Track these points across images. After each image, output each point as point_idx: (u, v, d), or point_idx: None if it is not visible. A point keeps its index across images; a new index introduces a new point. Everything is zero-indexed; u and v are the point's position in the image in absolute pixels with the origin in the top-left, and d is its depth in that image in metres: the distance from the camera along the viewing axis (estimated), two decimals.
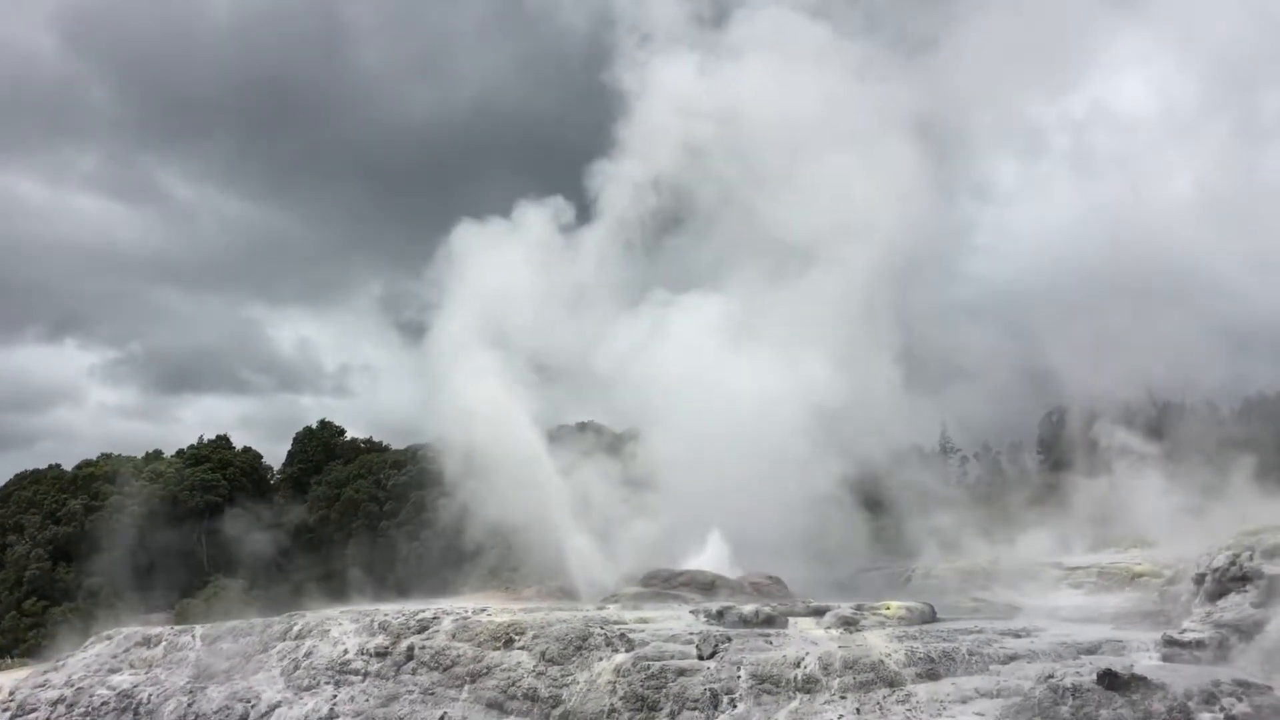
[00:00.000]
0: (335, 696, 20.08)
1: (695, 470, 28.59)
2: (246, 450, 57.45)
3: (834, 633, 18.25)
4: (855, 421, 30.53)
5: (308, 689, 20.69)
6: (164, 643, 24.55)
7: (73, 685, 23.79)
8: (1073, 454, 36.69)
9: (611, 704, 16.85)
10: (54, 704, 23.43)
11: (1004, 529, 31.45)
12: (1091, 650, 16.78)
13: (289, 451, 58.69)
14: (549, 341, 31.65)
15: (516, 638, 19.25)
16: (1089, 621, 19.80)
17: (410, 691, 19.40)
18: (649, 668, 17.11)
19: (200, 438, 58.20)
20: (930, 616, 19.88)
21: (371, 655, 20.71)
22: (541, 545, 28.64)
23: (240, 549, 45.67)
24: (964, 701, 15.14)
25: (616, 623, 19.40)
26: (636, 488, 29.54)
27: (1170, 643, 15.83)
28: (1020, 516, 32.04)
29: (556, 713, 17.37)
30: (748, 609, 19.59)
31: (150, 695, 22.59)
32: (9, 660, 36.22)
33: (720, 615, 19.52)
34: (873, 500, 35.71)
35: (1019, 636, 17.87)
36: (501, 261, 32.10)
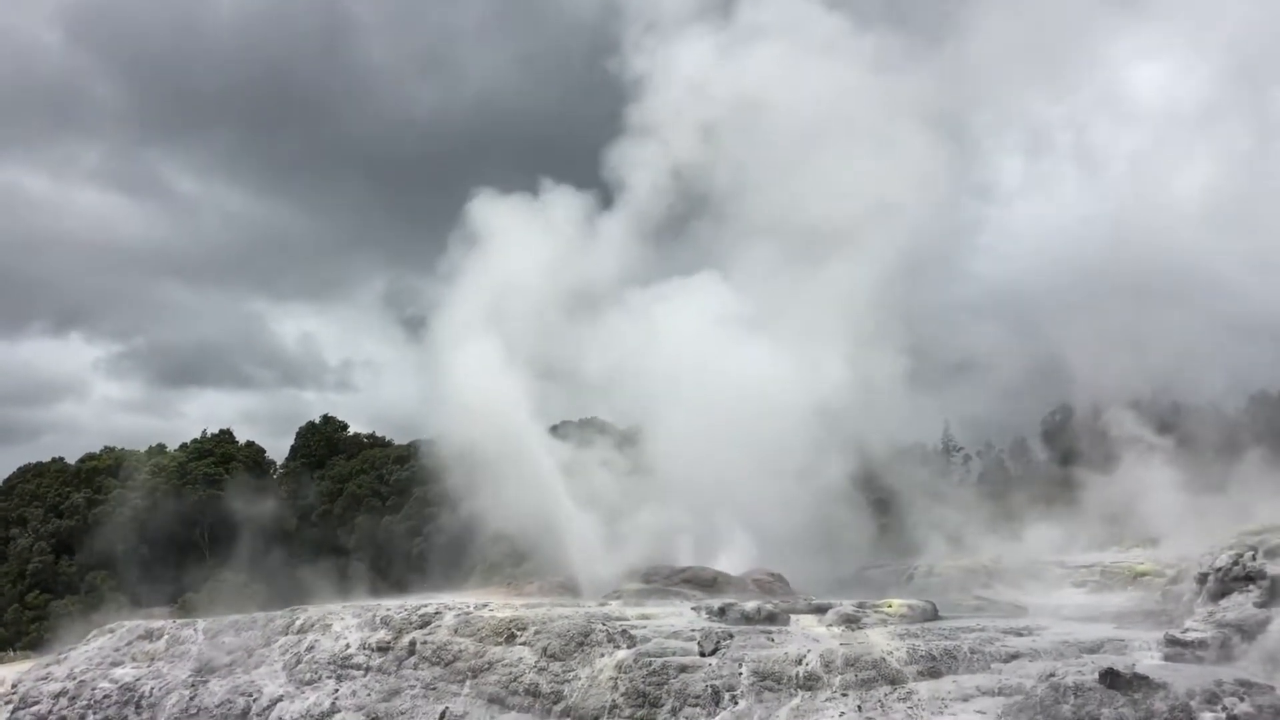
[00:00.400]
0: (337, 691, 20.12)
1: (698, 467, 28.54)
2: (249, 444, 57.52)
3: (836, 630, 18.24)
4: (859, 419, 30.48)
5: (310, 683, 20.73)
6: (166, 636, 24.59)
7: (75, 678, 23.85)
8: (1077, 451, 36.63)
9: (613, 700, 16.86)
10: (56, 697, 23.49)
11: (1006, 527, 31.41)
12: (1094, 649, 16.77)
13: (292, 446, 58.79)
14: (554, 334, 31.54)
15: (518, 633, 19.28)
16: (1091, 620, 19.76)
17: (412, 686, 19.44)
18: (651, 664, 17.12)
19: (203, 432, 58.36)
20: (932, 614, 19.86)
21: (373, 650, 20.74)
22: (543, 541, 28.63)
23: (242, 543, 45.70)
24: (965, 699, 15.14)
25: (618, 619, 19.41)
26: (639, 484, 29.49)
27: (1172, 642, 15.80)
28: (1023, 515, 31.99)
29: (558, 708, 17.39)
30: (750, 606, 19.58)
31: (152, 688, 22.65)
32: (11, 653, 36.32)
33: (722, 612, 19.51)
34: (875, 498, 35.68)
35: (1021, 635, 17.86)
36: (518, 236, 31.93)
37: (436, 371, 31.54)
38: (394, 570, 42.62)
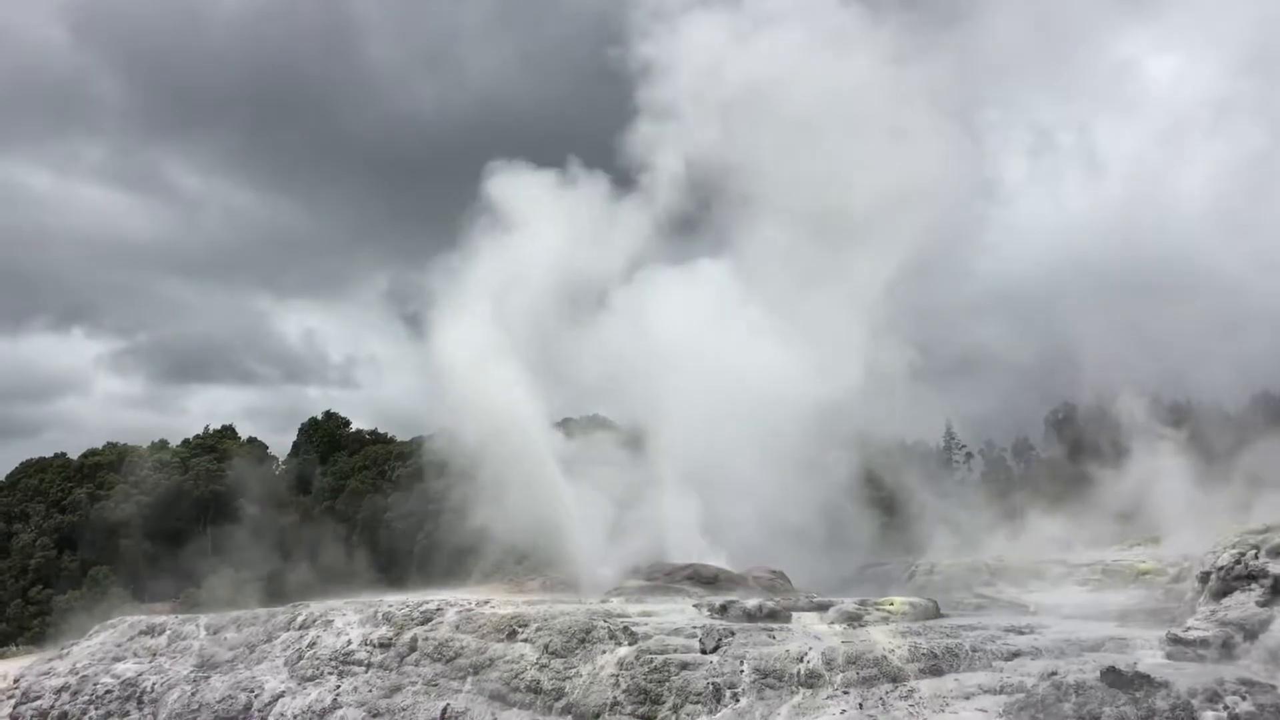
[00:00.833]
0: (339, 687, 20.12)
1: (701, 463, 28.51)
2: (252, 441, 57.57)
3: (837, 628, 18.22)
4: (863, 415, 30.43)
5: (311, 679, 20.74)
6: (168, 632, 24.64)
7: (77, 673, 23.89)
8: (1079, 449, 36.60)
9: (614, 697, 16.86)
10: (58, 691, 23.54)
11: (1008, 525, 31.41)
12: (1095, 647, 16.74)
13: (294, 442, 58.89)
14: (558, 326, 31.42)
15: (520, 630, 19.27)
16: (1093, 618, 19.74)
17: (413, 682, 19.43)
18: (652, 661, 17.12)
19: (206, 428, 58.56)
20: (934, 612, 19.84)
21: (375, 646, 20.74)
22: (545, 538, 28.61)
23: (245, 539, 45.74)
24: (967, 698, 15.12)
25: (620, 616, 19.39)
26: (641, 481, 29.46)
27: (1174, 641, 15.78)
28: (1025, 513, 31.99)
29: (559, 705, 17.38)
30: (751, 603, 19.56)
31: (154, 684, 22.68)
32: (14, 647, 36.39)
33: (724, 609, 19.49)
34: (878, 496, 35.68)
35: (1023, 633, 17.83)
36: (541, 211, 31.78)
37: (438, 366, 31.46)
38: (396, 566, 42.67)
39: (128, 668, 23.65)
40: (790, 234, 32.11)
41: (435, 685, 19.11)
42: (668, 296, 31.56)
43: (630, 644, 17.89)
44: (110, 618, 27.05)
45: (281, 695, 20.62)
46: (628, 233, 32.33)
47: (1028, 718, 13.84)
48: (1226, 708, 13.21)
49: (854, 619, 18.58)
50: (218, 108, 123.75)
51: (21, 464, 55.89)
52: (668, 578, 24.18)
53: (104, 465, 53.85)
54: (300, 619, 22.90)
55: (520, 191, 32.21)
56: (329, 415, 59.66)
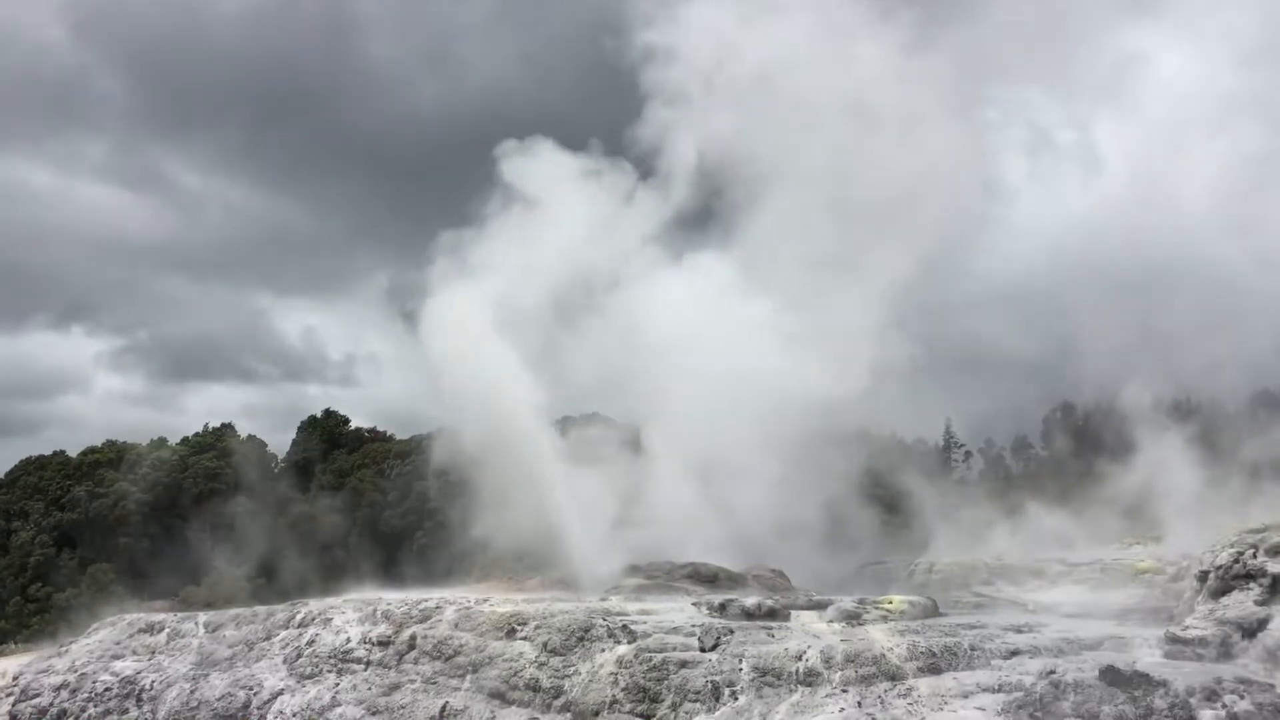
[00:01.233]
0: (338, 685, 20.13)
1: (701, 461, 28.51)
2: (251, 439, 57.55)
3: (836, 626, 18.22)
4: (864, 415, 30.39)
5: (310, 677, 20.75)
6: (167, 629, 24.64)
7: (76, 671, 23.88)
8: (1078, 448, 36.62)
9: (613, 695, 16.85)
10: (57, 689, 23.54)
11: (1007, 524, 31.41)
12: (1094, 646, 16.75)
13: (293, 440, 58.83)
14: (558, 322, 31.38)
15: (519, 628, 19.26)
16: (1092, 617, 19.76)
17: (412, 681, 19.43)
18: (651, 659, 17.11)
19: (205, 426, 58.40)
20: (933, 611, 19.84)
21: (374, 644, 20.75)
22: (544, 536, 28.56)
23: (244, 537, 45.77)
24: (965, 696, 15.11)
25: (619, 614, 19.38)
26: (641, 478, 29.45)
27: (1173, 639, 15.79)
28: (1024, 511, 31.99)
29: (558, 703, 17.37)
30: (750, 602, 19.56)
31: (153, 682, 22.67)
32: (13, 645, 36.36)
33: (723, 608, 19.49)
34: (879, 494, 35.67)
35: (1021, 632, 17.84)
36: (561, 189, 31.78)
37: (437, 364, 31.39)
38: (395, 564, 42.65)
39: (127, 665, 23.65)
40: (796, 228, 31.95)
41: (434, 683, 19.11)
42: (669, 290, 31.48)
43: (629, 642, 17.88)
44: (109, 615, 27.03)
45: (280, 693, 20.63)
46: (636, 225, 32.29)
47: (1026, 716, 13.84)
48: (1225, 706, 13.22)
49: (853, 617, 18.58)
50: (218, 106, 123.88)
51: (21, 461, 55.88)
52: (667, 576, 24.19)
53: (103, 463, 53.83)
54: (299, 617, 22.90)
55: (540, 170, 32.12)
56: (328, 413, 59.63)
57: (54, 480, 52.83)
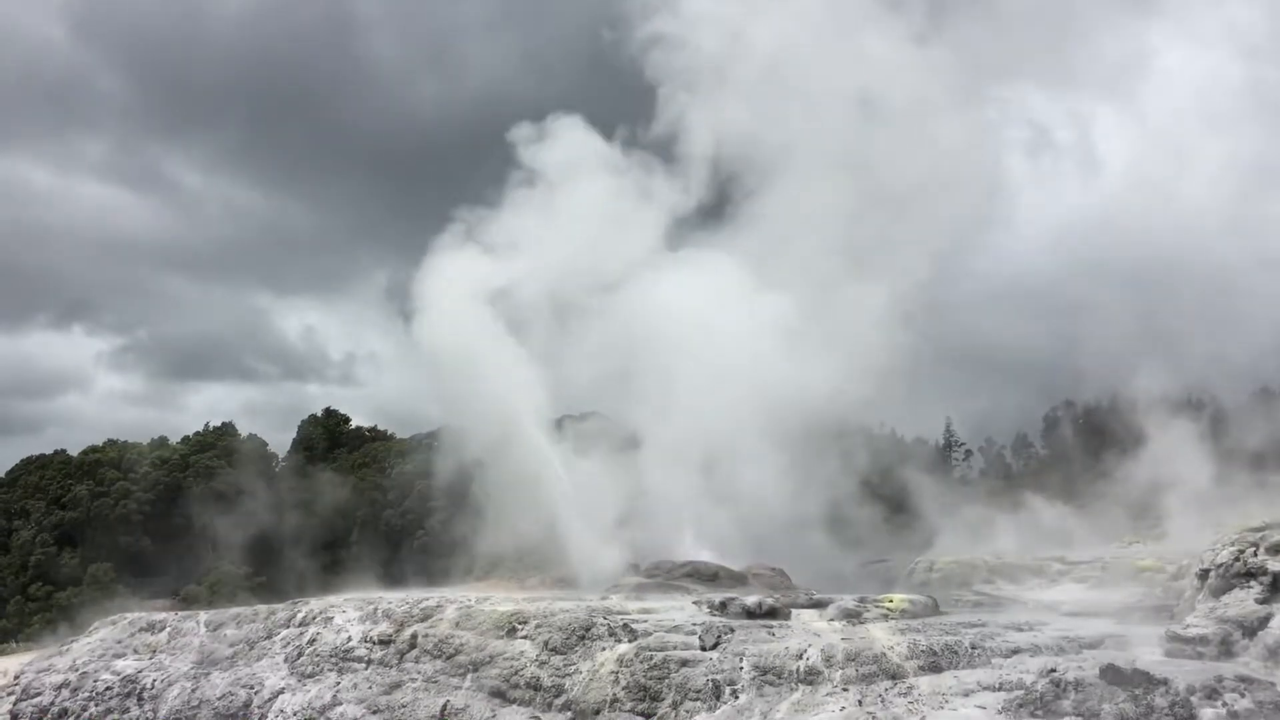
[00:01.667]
0: (338, 684, 20.13)
1: (702, 460, 28.49)
2: (252, 438, 57.60)
3: (837, 625, 18.22)
4: (867, 413, 30.35)
5: (311, 676, 20.75)
6: (168, 628, 24.64)
7: (77, 670, 23.90)
8: (1079, 446, 36.61)
9: (614, 694, 16.85)
10: (58, 688, 23.55)
11: (1008, 522, 31.39)
12: (1094, 644, 16.73)
13: (294, 439, 58.92)
14: (558, 319, 31.32)
15: (520, 627, 19.25)
16: (1092, 616, 19.73)
17: (413, 679, 19.43)
18: (652, 658, 17.10)
19: (206, 425, 58.50)
20: (933, 610, 19.85)
21: (375, 643, 20.75)
22: (545, 535, 28.60)
23: (245, 536, 45.81)
24: (966, 694, 15.10)
25: (620, 613, 19.37)
26: (640, 478, 29.44)
27: (1173, 638, 15.77)
28: (1025, 509, 31.99)
29: (559, 702, 17.37)
30: (751, 600, 19.57)
31: (154, 680, 22.68)
32: (14, 644, 36.44)
33: (723, 606, 19.49)
34: (880, 493, 35.65)
35: (1021, 630, 17.82)
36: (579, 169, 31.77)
37: (438, 363, 31.37)
38: (396, 563, 42.71)
39: (128, 664, 23.65)
40: (802, 224, 31.92)
41: (435, 682, 19.11)
42: (672, 286, 31.37)
43: (630, 641, 17.88)
44: (110, 614, 27.04)
45: (281, 692, 20.64)
46: (641, 220, 32.24)
47: (1027, 715, 13.83)
48: (1225, 704, 13.20)
49: (853, 616, 18.59)
50: (218, 105, 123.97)
51: (22, 461, 56.01)
52: (668, 575, 24.20)
53: (104, 462, 53.90)
54: (300, 616, 22.90)
55: (554, 155, 32.15)
56: (329, 412, 59.72)
57: (55, 479, 52.89)
